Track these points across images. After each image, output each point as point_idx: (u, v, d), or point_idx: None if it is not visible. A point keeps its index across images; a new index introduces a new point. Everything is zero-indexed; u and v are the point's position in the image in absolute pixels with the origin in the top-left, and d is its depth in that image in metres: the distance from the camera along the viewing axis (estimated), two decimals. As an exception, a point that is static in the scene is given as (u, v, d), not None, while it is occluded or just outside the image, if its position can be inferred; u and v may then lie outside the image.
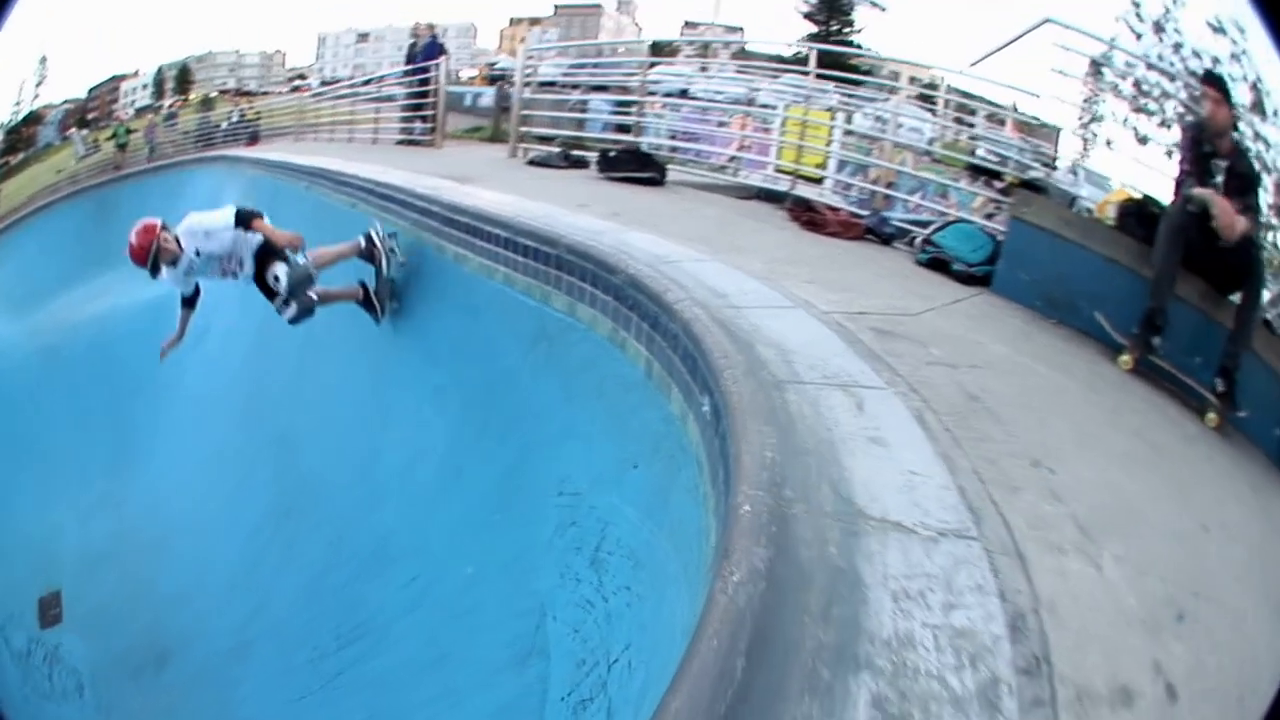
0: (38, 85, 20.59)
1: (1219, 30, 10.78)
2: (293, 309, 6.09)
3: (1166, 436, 3.71)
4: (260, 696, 7.25)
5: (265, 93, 23.28)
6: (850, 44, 20.34)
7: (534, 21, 21.17)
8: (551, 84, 14.20)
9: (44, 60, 20.32)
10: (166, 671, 8.75)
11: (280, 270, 5.93)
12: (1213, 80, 5.12)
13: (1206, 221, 4.32)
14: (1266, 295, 6.10)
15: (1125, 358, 4.46)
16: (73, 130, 21.28)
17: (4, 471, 13.05)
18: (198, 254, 5.91)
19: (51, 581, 11.21)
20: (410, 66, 12.83)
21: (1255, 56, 10.06)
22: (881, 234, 6.62)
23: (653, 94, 11.78)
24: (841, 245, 6.26)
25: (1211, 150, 4.54)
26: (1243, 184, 4.51)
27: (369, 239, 6.58)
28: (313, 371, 9.35)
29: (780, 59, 19.25)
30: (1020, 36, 7.97)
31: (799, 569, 1.59)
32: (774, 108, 10.60)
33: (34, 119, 20.73)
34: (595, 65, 15.65)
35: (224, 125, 21.21)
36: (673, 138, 11.02)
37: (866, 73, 18.02)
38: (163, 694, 8.49)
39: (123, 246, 12.27)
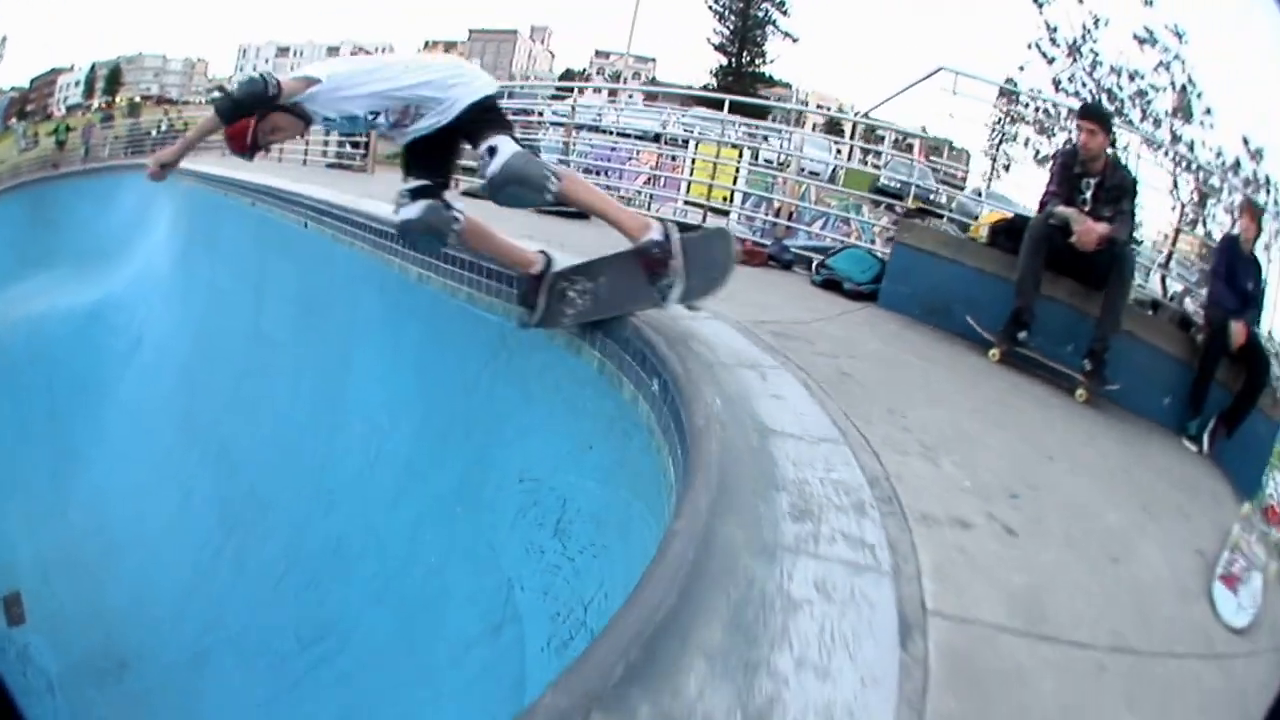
0: (-8, 67, 21.25)
1: (1147, 41, 12.21)
2: (421, 209, 4.22)
3: (1022, 403, 4.83)
4: (224, 705, 7.61)
5: (185, 102, 23.80)
6: (762, 75, 21.86)
7: (449, 45, 22.12)
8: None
9: (4, 40, 20.94)
10: (127, 679, 9.14)
11: (507, 146, 3.89)
12: (1090, 114, 6.22)
13: (1069, 233, 5.49)
14: (1178, 286, 7.50)
15: (994, 351, 5.62)
16: (14, 120, 22.10)
17: None
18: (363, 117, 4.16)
19: (10, 583, 11.47)
20: None
21: (1188, 62, 11.50)
22: (782, 261, 7.90)
23: (563, 125, 12.95)
24: (748, 271, 7.38)
25: (1082, 171, 5.69)
26: (1114, 194, 5.65)
27: (667, 234, 4.06)
28: (257, 382, 9.74)
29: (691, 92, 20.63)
30: (914, 84, 9.32)
31: (736, 450, 2.62)
32: (684, 145, 11.76)
33: (-18, 104, 21.31)
34: (510, 95, 16.65)
35: (153, 133, 21.80)
36: (586, 171, 11.89)
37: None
38: (127, 701, 8.91)
39: (59, 246, 12.39)
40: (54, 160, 20.98)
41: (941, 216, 9.13)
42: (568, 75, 21.83)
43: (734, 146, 11.09)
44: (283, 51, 24.28)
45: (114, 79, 24.12)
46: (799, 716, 1.55)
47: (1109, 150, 5.89)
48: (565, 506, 4.68)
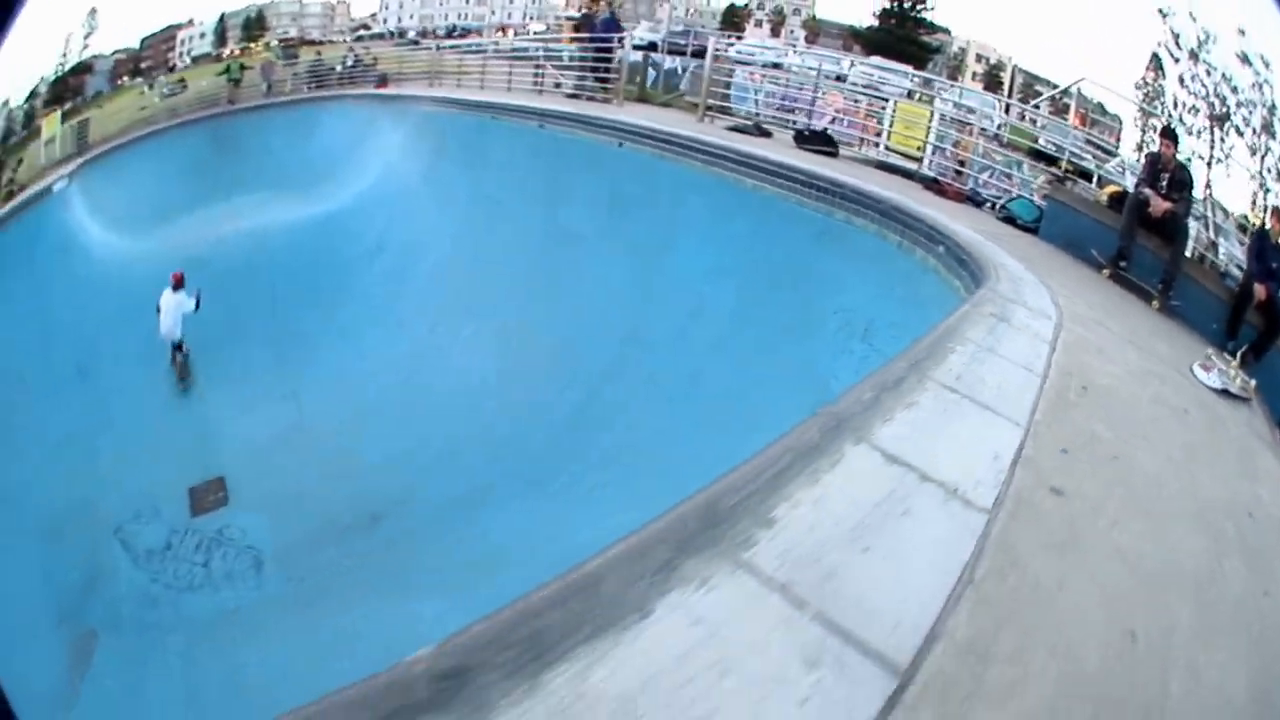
0: (86, 37, 25.55)
1: (1246, 62, 16.12)
2: None
3: (1115, 297, 10.76)
4: (508, 527, 10.66)
5: (329, 41, 28.38)
6: (923, 21, 25.41)
7: None
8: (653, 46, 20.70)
9: (94, 12, 25.46)
10: (380, 529, 12.25)
11: None
12: (1166, 134, 12.00)
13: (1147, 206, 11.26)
14: (1222, 247, 13.24)
15: (1105, 270, 11.49)
16: (124, 79, 26.46)
17: (140, 377, 16.98)
18: None
19: (207, 472, 14.60)
20: (588, 35, 19.37)
21: (1275, 86, 15.54)
22: (975, 201, 14.10)
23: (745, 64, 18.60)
24: (956, 205, 13.64)
25: (1161, 167, 11.27)
26: (1178, 186, 11.13)
27: None
28: (556, 268, 13.84)
29: (854, 32, 25.22)
30: (1060, 91, 15.16)
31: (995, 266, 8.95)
32: (885, 100, 17.19)
33: (83, 69, 25.66)
34: (689, 34, 21.79)
35: (338, 69, 26.93)
36: (782, 110, 17.68)
37: (936, 51, 24.31)
38: (381, 547, 11.85)
39: (252, 172, 19.04)
40: (230, 97, 26.09)
41: (1090, 180, 14.81)
42: (731, 11, 25.91)
43: (925, 105, 16.84)
44: (424, -12, 28.42)
45: (256, 24, 28.93)
46: (1033, 303, 7.58)
47: (1177, 156, 11.53)
48: (872, 322, 9.71)
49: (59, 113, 24.08)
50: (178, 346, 16.45)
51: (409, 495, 12.37)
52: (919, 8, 25.30)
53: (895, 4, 25.37)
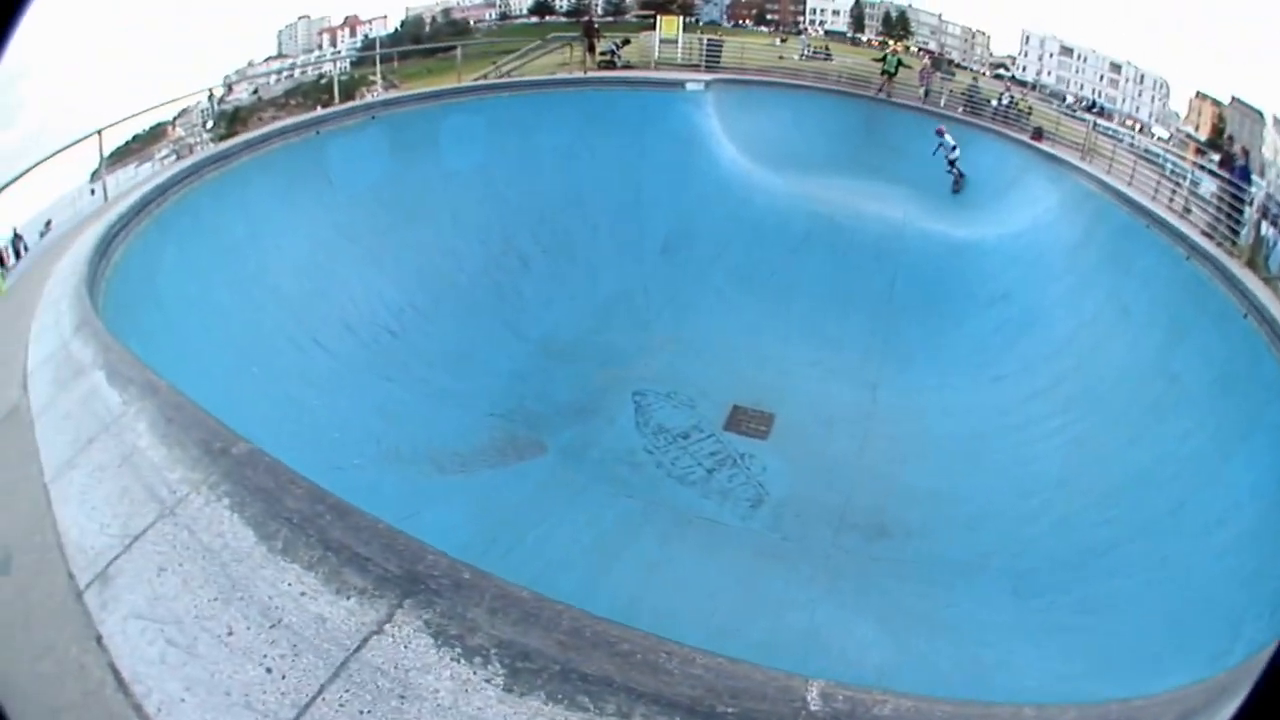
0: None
1: None
2: None
3: None
4: (977, 616, 11.09)
5: (966, 68, 32.38)
6: None
7: (1215, 103, 26.36)
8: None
9: None
10: (878, 544, 12.82)
11: None
12: None
13: None
14: None
15: None
16: (745, 21, 33.82)
17: (746, 298, 20.22)
18: None
19: (759, 403, 16.04)
20: (1225, 174, 20.43)
21: None
22: None
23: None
24: None
25: None
26: None
27: None
28: (1139, 404, 14.33)
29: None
30: None
31: None
32: None
33: (693, -8, 32.02)
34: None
35: (992, 102, 29.55)
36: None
37: None
38: (863, 556, 12.49)
39: (891, 166, 27.15)
40: (884, 88, 30.01)
41: None
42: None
43: None
44: (1066, 51, 31.12)
45: (897, 23, 32.83)
46: None
47: None
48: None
49: (679, 20, 30.83)
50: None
51: (917, 530, 13.40)
52: None
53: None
